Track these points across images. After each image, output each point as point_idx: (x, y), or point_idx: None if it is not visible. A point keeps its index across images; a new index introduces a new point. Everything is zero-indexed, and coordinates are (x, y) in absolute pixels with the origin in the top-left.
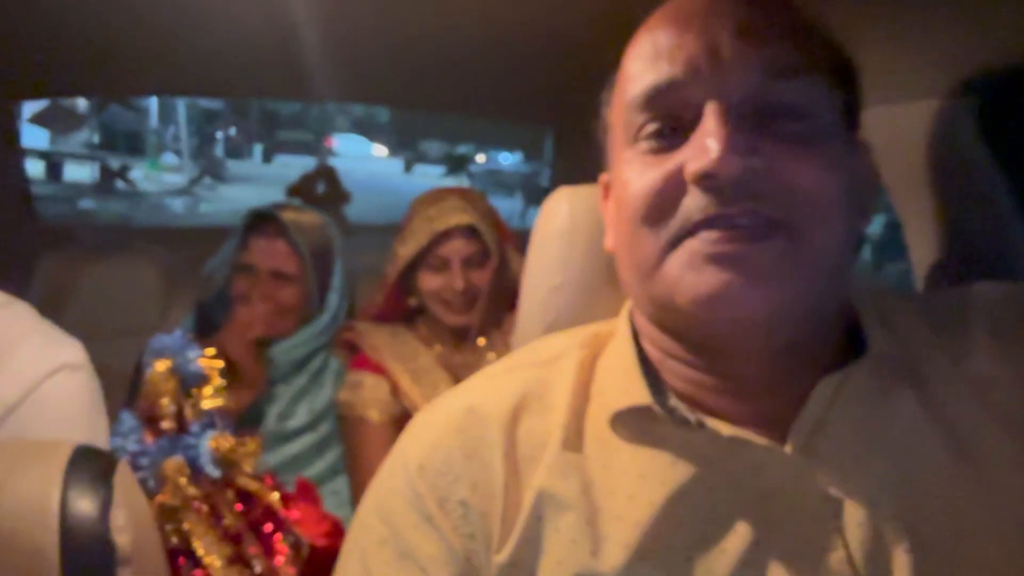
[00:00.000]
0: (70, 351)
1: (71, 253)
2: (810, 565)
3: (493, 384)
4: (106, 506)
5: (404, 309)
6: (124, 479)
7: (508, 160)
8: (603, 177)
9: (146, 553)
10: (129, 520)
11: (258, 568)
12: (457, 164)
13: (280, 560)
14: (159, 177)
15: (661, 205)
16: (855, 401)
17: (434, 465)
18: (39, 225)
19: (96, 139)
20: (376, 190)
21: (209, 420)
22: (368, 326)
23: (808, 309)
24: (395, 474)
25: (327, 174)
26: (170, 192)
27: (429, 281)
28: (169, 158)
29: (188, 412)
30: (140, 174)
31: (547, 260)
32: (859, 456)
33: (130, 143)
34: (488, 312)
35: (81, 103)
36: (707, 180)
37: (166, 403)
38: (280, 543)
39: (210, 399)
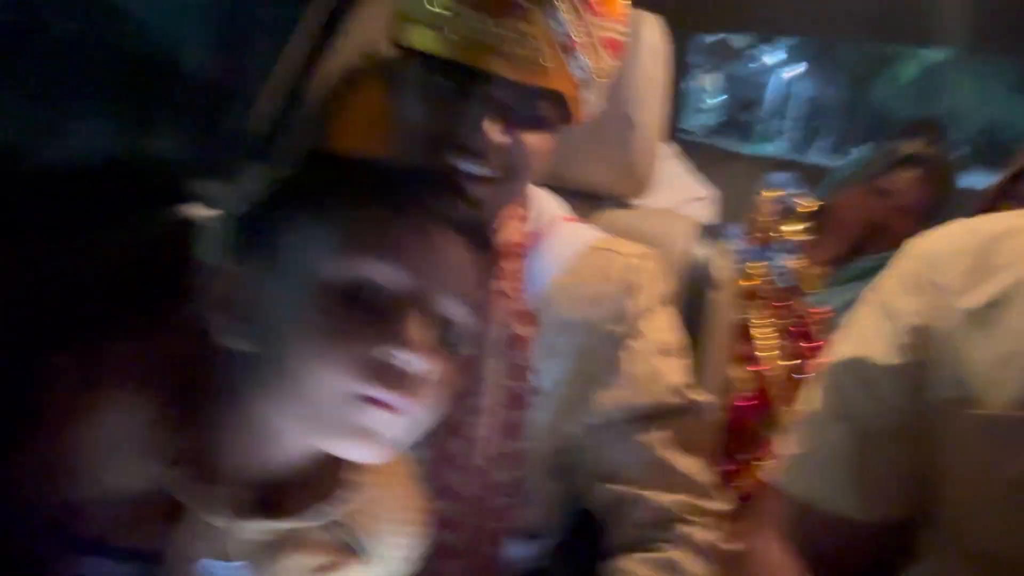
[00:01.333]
0: (704, 190)
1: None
2: None
3: (1008, 215)
4: (713, 255)
5: None
6: (724, 251)
7: None
8: None
9: (725, 297)
10: (722, 269)
11: (796, 362)
12: None
13: (813, 368)
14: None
15: None
16: None
17: (923, 254)
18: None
19: (715, 122)
20: None
21: (791, 245)
22: None
23: None
24: (895, 261)
25: (932, 125)
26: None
27: None
28: (777, 144)
29: (778, 233)
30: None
31: None
32: None
33: (742, 130)
34: None
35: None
36: None
37: (765, 221)
38: (816, 358)
39: (796, 231)
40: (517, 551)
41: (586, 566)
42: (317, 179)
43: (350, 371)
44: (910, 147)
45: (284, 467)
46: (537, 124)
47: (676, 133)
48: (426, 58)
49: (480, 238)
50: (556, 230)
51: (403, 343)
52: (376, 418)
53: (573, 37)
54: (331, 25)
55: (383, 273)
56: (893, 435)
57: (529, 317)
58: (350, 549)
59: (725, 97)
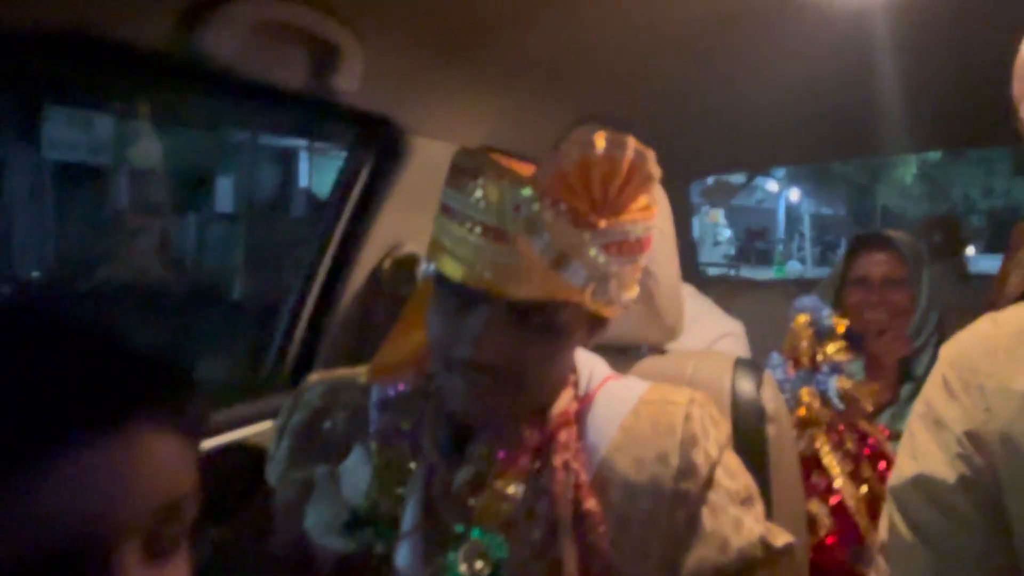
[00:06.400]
0: (733, 325)
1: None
2: None
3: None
4: (758, 387)
5: None
6: (770, 382)
7: None
8: None
9: (784, 429)
10: (773, 400)
11: (869, 488)
12: None
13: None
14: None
15: None
16: None
17: (960, 360)
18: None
19: (731, 252)
20: None
21: (835, 366)
22: None
23: None
24: (934, 370)
25: (947, 223)
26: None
27: None
28: (794, 265)
29: (819, 357)
30: (767, 279)
31: None
32: None
33: (760, 254)
34: None
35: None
36: None
37: (804, 347)
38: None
39: (837, 352)
40: None
41: None
42: None
43: None
44: (863, 236)
45: None
46: (550, 330)
47: (698, 269)
48: (442, 279)
49: None
50: (604, 390)
51: None
52: None
53: (562, 252)
54: None
55: None
56: (978, 556)
57: (594, 488)
58: None
59: (732, 230)
